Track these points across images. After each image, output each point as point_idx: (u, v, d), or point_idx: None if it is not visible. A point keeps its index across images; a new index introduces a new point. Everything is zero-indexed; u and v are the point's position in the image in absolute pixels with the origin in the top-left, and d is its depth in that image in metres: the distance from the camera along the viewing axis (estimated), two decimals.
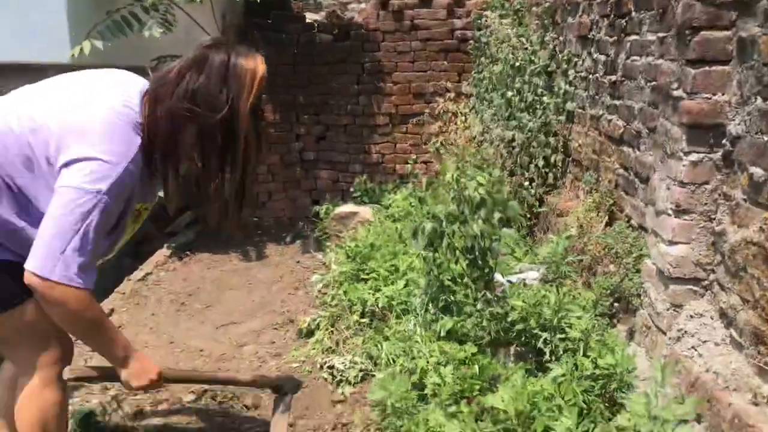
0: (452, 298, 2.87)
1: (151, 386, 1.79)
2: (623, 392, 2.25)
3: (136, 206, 1.77)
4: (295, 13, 5.80)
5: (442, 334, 2.70)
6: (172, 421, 2.67)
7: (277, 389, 2.28)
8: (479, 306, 2.65)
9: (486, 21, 5.01)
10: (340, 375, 2.96)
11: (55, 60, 4.50)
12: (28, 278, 1.54)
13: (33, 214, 1.64)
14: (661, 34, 2.59)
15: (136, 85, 1.76)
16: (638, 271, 2.63)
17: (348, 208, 5.24)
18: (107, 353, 1.73)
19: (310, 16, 6.01)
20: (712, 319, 2.18)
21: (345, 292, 3.63)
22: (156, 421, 2.66)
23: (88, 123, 1.61)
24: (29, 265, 1.53)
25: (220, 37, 1.72)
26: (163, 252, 4.97)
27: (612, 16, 3.25)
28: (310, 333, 3.46)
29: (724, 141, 2.13)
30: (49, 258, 1.52)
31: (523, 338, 2.61)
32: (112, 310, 3.90)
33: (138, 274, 4.48)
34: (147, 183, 1.74)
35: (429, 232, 2.67)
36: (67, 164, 1.56)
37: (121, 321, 3.78)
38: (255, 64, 1.70)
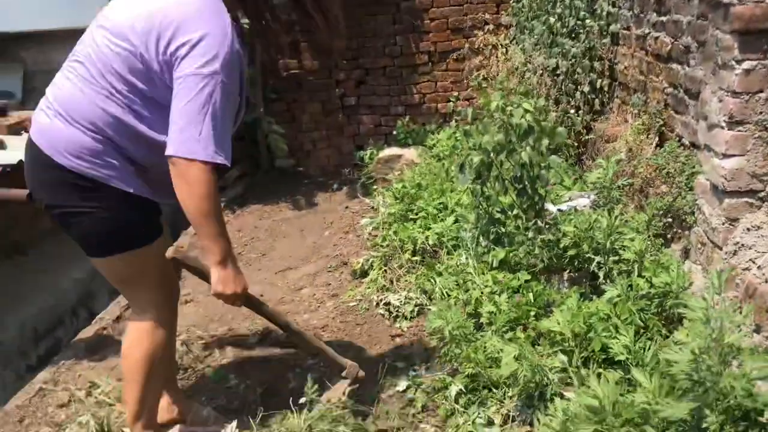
0: (503, 229, 2.89)
1: (232, 298, 1.84)
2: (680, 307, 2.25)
3: None
4: None
5: (495, 264, 2.74)
6: (238, 361, 2.81)
7: (340, 370, 2.32)
8: (531, 234, 2.66)
9: None
10: (396, 311, 3.04)
11: (83, 24, 4.58)
12: (172, 162, 1.68)
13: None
14: None
15: None
16: (691, 188, 2.58)
17: (392, 150, 5.25)
18: (214, 246, 1.77)
19: None
20: None
21: (395, 233, 3.68)
22: (224, 361, 2.80)
23: (181, 12, 1.70)
24: (171, 152, 1.67)
25: None
26: None
27: None
28: (364, 273, 3.54)
29: None
30: (189, 142, 1.66)
31: (576, 263, 2.62)
32: None
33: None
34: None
35: (476, 164, 2.68)
36: (179, 56, 1.68)
37: (183, 273, 3.93)
38: None
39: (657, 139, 3.16)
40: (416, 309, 3.03)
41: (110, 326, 3.26)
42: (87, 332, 3.21)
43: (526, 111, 2.50)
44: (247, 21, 2.04)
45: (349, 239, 4.23)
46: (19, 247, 4.05)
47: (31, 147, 1.83)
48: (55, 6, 4.56)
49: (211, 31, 1.68)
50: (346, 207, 4.96)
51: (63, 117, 1.78)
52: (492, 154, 2.61)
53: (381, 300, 3.17)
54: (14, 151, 3.62)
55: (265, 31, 2.01)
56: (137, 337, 1.98)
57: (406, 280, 3.29)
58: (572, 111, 4.03)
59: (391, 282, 3.34)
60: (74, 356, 2.98)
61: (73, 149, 1.76)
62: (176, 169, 1.68)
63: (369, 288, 3.35)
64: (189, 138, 1.65)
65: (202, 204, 1.70)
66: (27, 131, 4.11)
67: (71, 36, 4.78)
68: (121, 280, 2.00)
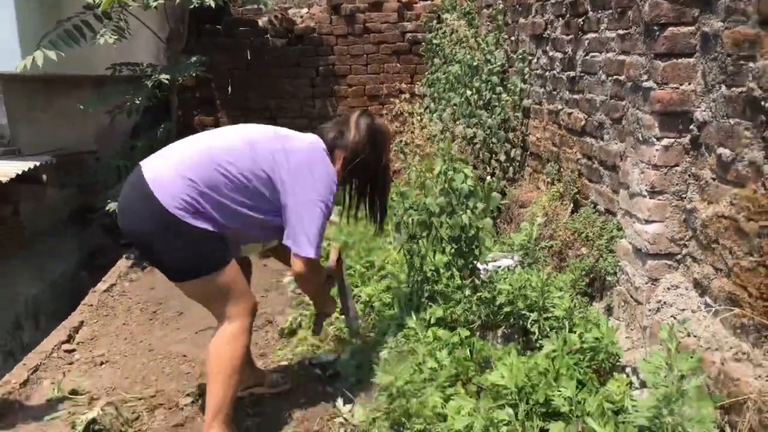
0: (436, 287, 2.99)
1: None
2: (611, 362, 2.43)
3: None
4: (243, 18, 5.81)
5: (432, 321, 2.82)
6: (170, 424, 2.67)
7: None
8: (467, 292, 2.78)
9: (437, 23, 5.18)
10: (332, 369, 3.02)
11: (5, 70, 4.37)
12: (295, 260, 2.31)
13: (262, 208, 2.31)
14: (621, 31, 2.80)
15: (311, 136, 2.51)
16: (611, 251, 2.82)
17: None
18: (322, 302, 2.80)
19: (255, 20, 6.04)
20: (687, 289, 2.38)
21: None
22: (155, 425, 2.66)
23: (311, 158, 2.36)
24: (297, 251, 2.29)
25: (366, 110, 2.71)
26: (124, 262, 4.86)
27: (567, 16, 3.47)
28: (292, 332, 3.49)
29: (691, 126, 2.34)
30: (308, 245, 2.28)
31: (511, 320, 2.76)
32: (82, 323, 3.82)
33: (102, 285, 4.38)
34: None
35: (415, 224, 2.79)
36: (307, 183, 2.29)
37: (93, 332, 3.71)
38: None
39: (572, 205, 3.44)
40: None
41: (17, 390, 2.99)
42: None
43: (467, 176, 2.66)
44: None
45: (271, 298, 4.18)
46: None
47: (140, 181, 2.19)
48: None
49: (328, 174, 2.35)
50: (265, 264, 4.89)
51: (180, 171, 2.19)
52: (433, 215, 2.73)
53: (313, 360, 3.14)
54: None
55: None
56: (224, 340, 2.30)
57: (337, 339, 3.28)
58: (489, 177, 4.28)
59: (321, 341, 3.33)
60: None
61: (176, 194, 2.15)
62: (302, 265, 2.33)
63: (299, 347, 3.31)
64: (307, 242, 2.28)
65: (317, 283, 2.64)
66: None
67: None
68: (202, 300, 2.38)
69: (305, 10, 6.58)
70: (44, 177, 4.51)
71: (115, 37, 4.35)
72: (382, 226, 2.73)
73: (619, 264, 2.71)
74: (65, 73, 4.88)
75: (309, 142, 2.43)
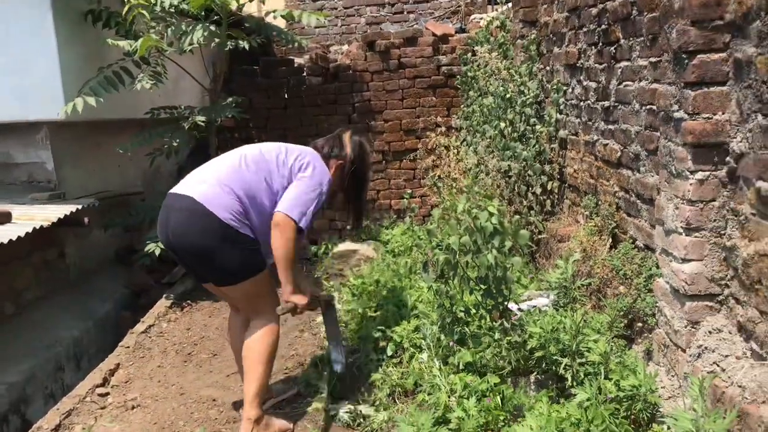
0: (467, 329, 2.88)
1: (304, 307, 2.85)
2: (650, 412, 2.26)
3: None
4: (283, 58, 5.89)
5: (461, 366, 2.70)
6: None
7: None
8: (497, 335, 2.66)
9: (472, 56, 5.12)
10: (361, 418, 2.92)
11: (49, 117, 4.53)
12: (277, 216, 2.63)
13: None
14: (653, 59, 2.68)
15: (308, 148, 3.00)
16: (650, 290, 2.66)
17: (347, 245, 5.24)
18: (289, 278, 2.70)
19: (295, 60, 6.12)
20: (730, 333, 2.21)
21: (354, 332, 3.61)
22: None
23: (315, 157, 2.86)
24: (283, 210, 2.63)
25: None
26: (164, 303, 4.91)
27: (600, 44, 3.36)
28: None
29: (727, 158, 2.19)
30: (296, 210, 2.64)
31: (543, 365, 2.61)
32: (118, 365, 3.84)
33: (140, 326, 4.42)
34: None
35: (442, 263, 2.70)
36: (310, 174, 2.75)
37: (128, 375, 3.72)
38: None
39: (610, 240, 3.28)
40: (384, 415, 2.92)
41: None
42: None
43: (491, 214, 2.56)
44: None
45: (304, 338, 4.12)
46: None
47: (195, 204, 2.58)
48: (12, 100, 4.51)
49: (323, 170, 2.83)
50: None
51: (223, 188, 2.62)
52: (458, 255, 2.63)
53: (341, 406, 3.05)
54: None
55: None
56: (262, 334, 2.72)
57: (368, 382, 3.19)
58: (525, 211, 4.15)
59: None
60: None
61: (228, 208, 2.59)
62: (280, 223, 2.62)
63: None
64: (297, 209, 2.65)
65: (288, 250, 2.64)
66: None
67: (16, 127, 4.69)
68: (251, 298, 2.75)
69: (345, 46, 6.64)
70: (86, 220, 4.61)
71: (152, 82, 4.46)
72: (360, 222, 3.31)
73: (658, 305, 2.54)
74: (111, 118, 5.03)
75: (309, 150, 2.93)
